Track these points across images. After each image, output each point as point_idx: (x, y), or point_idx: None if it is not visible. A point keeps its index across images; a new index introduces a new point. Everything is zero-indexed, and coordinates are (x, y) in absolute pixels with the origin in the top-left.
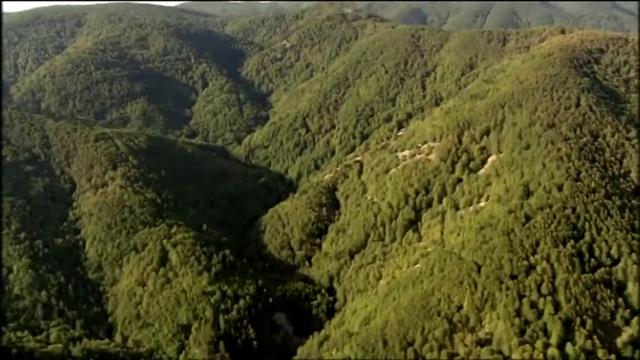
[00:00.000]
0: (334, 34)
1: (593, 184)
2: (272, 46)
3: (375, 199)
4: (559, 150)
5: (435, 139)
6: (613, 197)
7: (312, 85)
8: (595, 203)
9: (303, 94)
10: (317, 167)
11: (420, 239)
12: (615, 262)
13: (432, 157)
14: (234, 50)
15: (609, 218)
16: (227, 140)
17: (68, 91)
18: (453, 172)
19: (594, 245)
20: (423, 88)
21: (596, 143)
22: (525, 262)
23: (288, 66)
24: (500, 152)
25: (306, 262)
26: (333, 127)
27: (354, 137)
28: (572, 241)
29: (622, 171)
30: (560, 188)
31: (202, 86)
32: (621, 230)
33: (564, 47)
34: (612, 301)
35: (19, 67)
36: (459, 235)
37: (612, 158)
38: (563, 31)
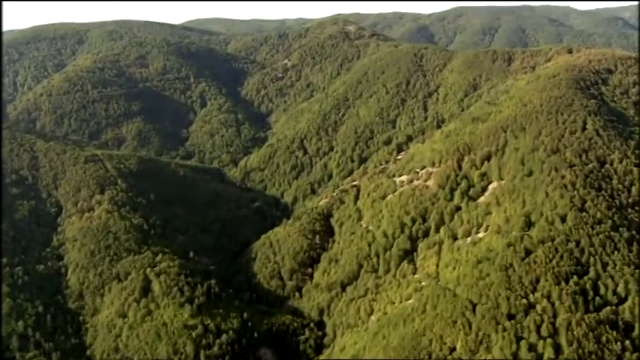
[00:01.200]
0: (336, 53)
1: (598, 215)
2: (273, 65)
3: (371, 227)
4: (563, 177)
5: (433, 164)
6: (620, 229)
7: (311, 105)
8: (601, 236)
9: (302, 115)
10: (313, 191)
11: (414, 271)
12: (622, 300)
13: (430, 183)
14: (235, 69)
15: (616, 252)
16: (223, 162)
17: (64, 110)
18: (451, 199)
19: (599, 282)
20: (425, 109)
21: (602, 170)
22: (524, 301)
23: (289, 85)
24: (502, 179)
25: (297, 293)
26: (332, 149)
27: (352, 160)
28: (575, 278)
29: (630, 200)
30: (563, 219)
31: (201, 106)
32: (629, 265)
33: (570, 67)
34: (619, 343)
35: (18, 85)
36: (454, 268)
37: (620, 186)
38: (570, 51)
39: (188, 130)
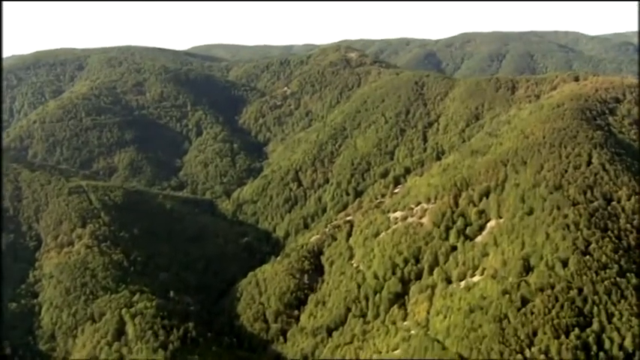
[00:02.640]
0: (336, 81)
1: (604, 259)
2: (272, 93)
3: (362, 267)
4: (566, 216)
5: (429, 200)
6: (628, 274)
7: (309, 135)
8: (606, 282)
9: (298, 145)
10: (306, 226)
11: (405, 317)
12: (629, 356)
13: (424, 220)
14: (234, 96)
15: (623, 301)
16: (216, 193)
17: (56, 138)
18: (446, 238)
19: (604, 335)
20: (425, 140)
21: (609, 208)
22: (519, 356)
23: (288, 114)
24: (500, 217)
25: (281, 337)
26: (327, 181)
27: (347, 194)
28: (576, 330)
29: (639, 241)
30: (565, 264)
31: (196, 134)
32: (637, 316)
33: (576, 96)
34: None
35: (14, 111)
36: (445, 317)
37: (628, 226)
38: (576, 78)
39: (182, 160)
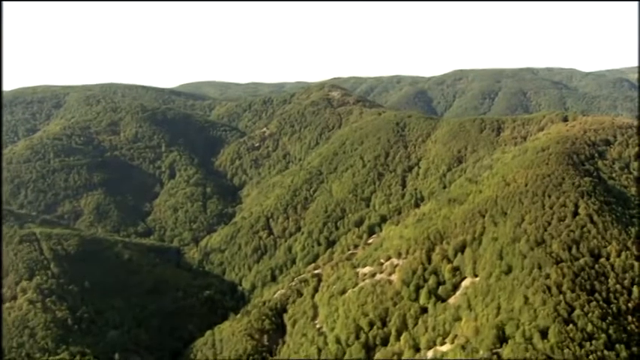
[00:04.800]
0: (316, 121)
1: (589, 328)
2: (251, 134)
3: (325, 328)
4: (547, 277)
5: (400, 255)
6: (617, 346)
7: (284, 178)
8: (591, 357)
9: (272, 190)
10: (274, 278)
11: None
12: None
13: (394, 277)
14: (212, 137)
15: None
16: (184, 241)
17: (22, 179)
18: (416, 299)
19: None
20: (403, 185)
21: (596, 266)
22: None
23: (265, 156)
24: (476, 275)
25: None
26: (299, 229)
27: (318, 244)
28: None
29: (630, 305)
30: (544, 334)
31: (169, 177)
32: None
33: (563, 139)
34: None
35: None
36: None
37: (618, 287)
38: (565, 119)
39: (152, 204)
